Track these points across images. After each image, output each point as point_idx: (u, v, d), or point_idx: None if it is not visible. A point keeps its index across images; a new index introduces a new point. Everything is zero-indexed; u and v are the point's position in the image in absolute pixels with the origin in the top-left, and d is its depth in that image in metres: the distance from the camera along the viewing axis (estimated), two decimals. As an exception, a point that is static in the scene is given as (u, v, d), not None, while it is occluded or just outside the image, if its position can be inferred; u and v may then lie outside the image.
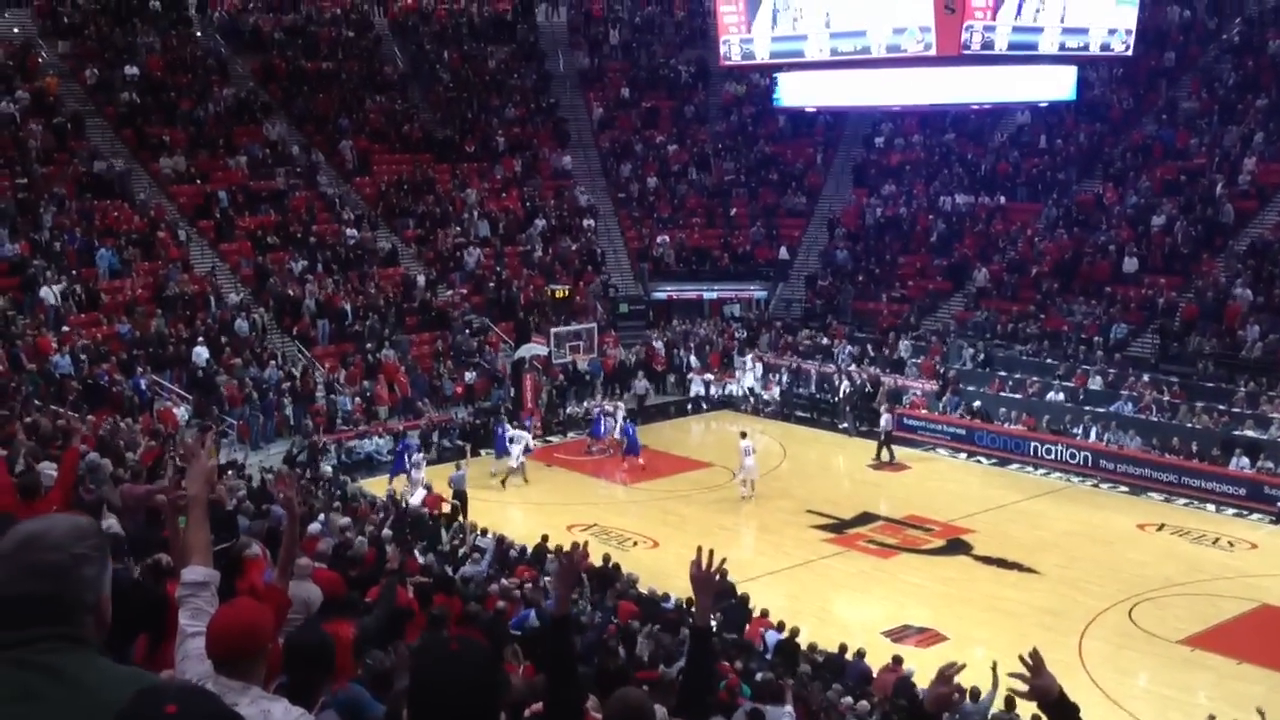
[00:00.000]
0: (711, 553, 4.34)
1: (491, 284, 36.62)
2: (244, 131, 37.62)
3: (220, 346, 30.07)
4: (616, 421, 29.69)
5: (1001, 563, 22.07)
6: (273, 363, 30.53)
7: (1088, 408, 28.91)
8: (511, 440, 27.67)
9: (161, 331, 29.70)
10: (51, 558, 2.24)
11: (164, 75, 37.90)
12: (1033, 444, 28.78)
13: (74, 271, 30.29)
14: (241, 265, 33.66)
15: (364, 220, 37.05)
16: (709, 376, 34.91)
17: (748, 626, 17.66)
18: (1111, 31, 24.07)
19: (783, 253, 40.37)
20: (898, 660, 15.99)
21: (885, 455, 29.14)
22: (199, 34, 40.90)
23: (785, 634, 16.74)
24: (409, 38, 44.73)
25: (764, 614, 17.72)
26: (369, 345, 32.39)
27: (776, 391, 33.93)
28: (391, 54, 43.94)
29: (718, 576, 4.31)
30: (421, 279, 35.84)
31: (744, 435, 26.61)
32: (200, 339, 29.76)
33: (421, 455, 26.33)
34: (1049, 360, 31.51)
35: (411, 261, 36.75)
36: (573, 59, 46.33)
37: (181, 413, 27.09)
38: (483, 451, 29.30)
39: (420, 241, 37.52)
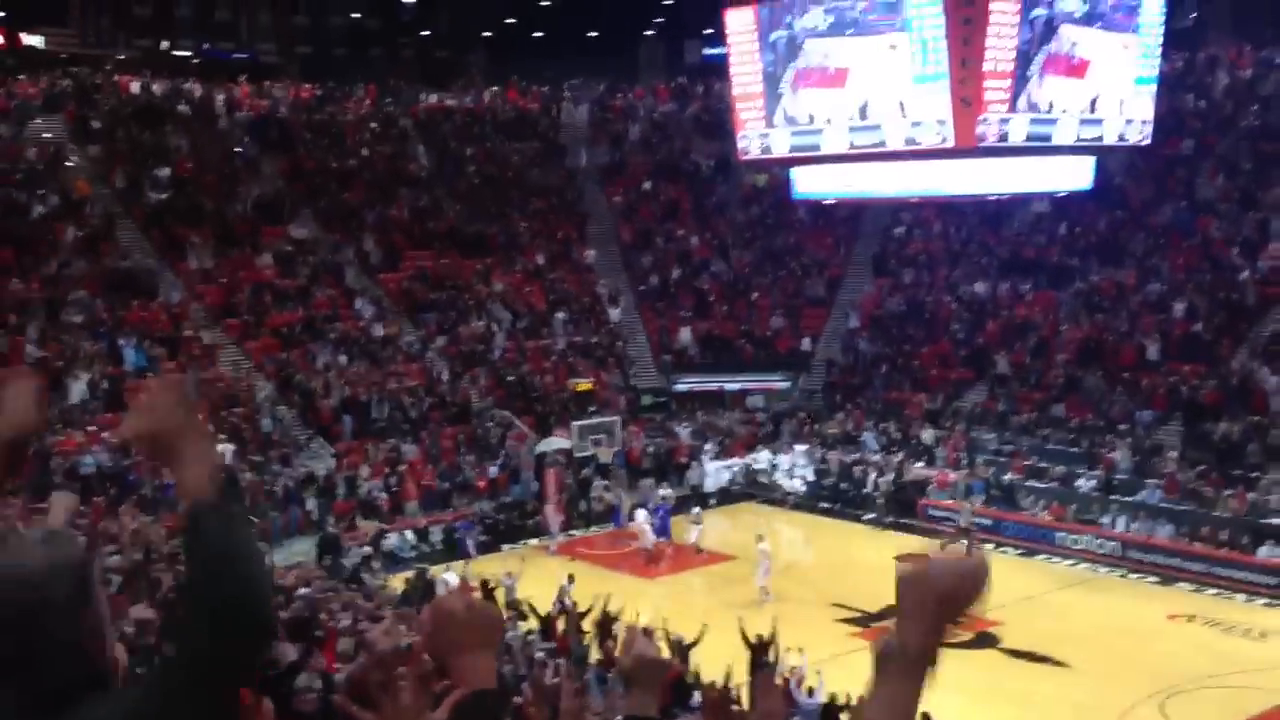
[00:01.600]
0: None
1: (512, 378, 36.77)
2: (270, 230, 38.20)
3: (245, 443, 30.22)
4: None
5: (1030, 655, 21.73)
6: (296, 459, 30.66)
7: (1114, 497, 28.69)
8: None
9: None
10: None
11: (193, 175, 38.64)
12: (1060, 534, 28.50)
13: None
14: (266, 362, 33.94)
15: (388, 314, 37.39)
16: (733, 462, 34.75)
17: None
18: (1129, 122, 24.32)
19: (805, 343, 40.42)
20: None
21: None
22: (227, 133, 41.73)
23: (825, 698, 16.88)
24: (434, 134, 45.50)
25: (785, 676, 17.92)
26: (392, 440, 32.50)
27: (799, 483, 33.74)
28: (416, 151, 44.66)
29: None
30: (445, 372, 36.04)
31: (761, 539, 26.20)
32: (225, 436, 29.92)
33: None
34: (1073, 450, 31.33)
35: (435, 355, 36.95)
36: (594, 154, 46.96)
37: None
38: (504, 546, 29.32)
39: (444, 334, 37.76)
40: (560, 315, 39.98)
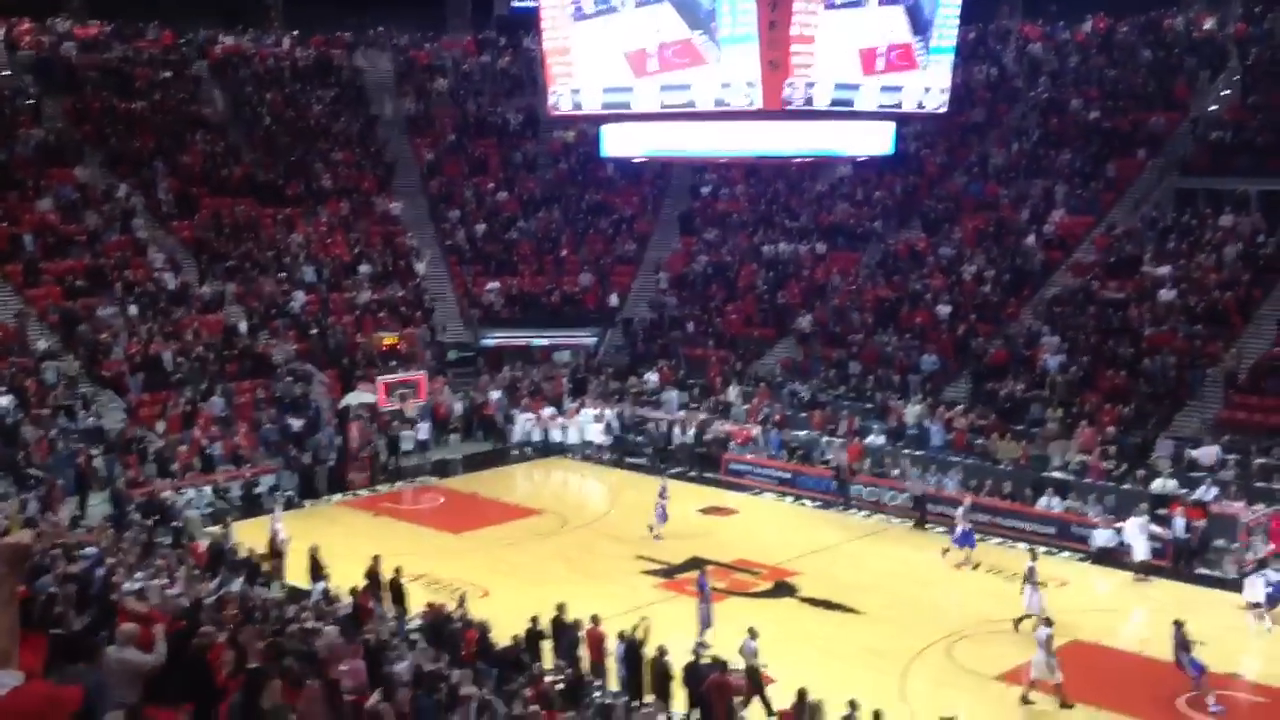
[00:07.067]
0: None
1: (316, 330, 35.86)
2: (54, 173, 36.24)
3: (26, 395, 28.73)
4: None
5: (827, 604, 22.49)
6: (83, 412, 29.31)
7: (906, 451, 29.82)
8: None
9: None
10: None
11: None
12: (854, 486, 29.46)
13: None
14: (49, 311, 32.26)
15: (182, 265, 35.93)
16: (543, 414, 34.62)
17: (583, 646, 17.96)
18: (927, 89, 25.02)
19: (613, 299, 40.59)
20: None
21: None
22: (6, 72, 39.33)
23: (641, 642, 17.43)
24: (230, 78, 43.80)
25: (595, 620, 18.38)
26: (187, 394, 31.36)
27: (600, 431, 33.82)
28: (210, 95, 42.94)
29: None
30: (243, 325, 34.88)
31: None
32: (4, 387, 28.41)
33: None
34: (868, 406, 32.40)
35: (233, 307, 35.69)
36: (399, 105, 46.01)
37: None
38: (308, 503, 28.78)
39: (242, 286, 36.46)
40: (365, 268, 39.14)
